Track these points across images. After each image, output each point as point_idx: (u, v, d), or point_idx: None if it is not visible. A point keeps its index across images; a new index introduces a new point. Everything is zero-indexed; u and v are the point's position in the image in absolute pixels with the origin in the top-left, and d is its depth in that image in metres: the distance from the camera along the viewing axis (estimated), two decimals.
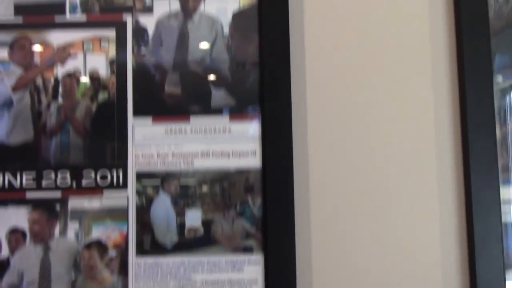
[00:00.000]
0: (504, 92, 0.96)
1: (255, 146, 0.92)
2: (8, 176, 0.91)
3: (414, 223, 0.92)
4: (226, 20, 0.95)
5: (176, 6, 0.95)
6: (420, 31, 0.96)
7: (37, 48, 0.93)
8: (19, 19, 0.94)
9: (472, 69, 0.94)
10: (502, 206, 0.91)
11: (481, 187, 0.92)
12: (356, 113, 0.94)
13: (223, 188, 0.92)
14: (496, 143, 0.93)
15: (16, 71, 0.93)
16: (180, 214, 0.91)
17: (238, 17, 0.95)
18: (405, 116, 0.95)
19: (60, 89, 0.93)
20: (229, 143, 0.93)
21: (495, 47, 0.96)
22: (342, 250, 0.92)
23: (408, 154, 0.94)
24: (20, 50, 0.94)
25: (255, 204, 0.91)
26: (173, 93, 0.93)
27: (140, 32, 0.94)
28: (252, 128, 0.93)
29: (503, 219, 0.91)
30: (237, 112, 0.93)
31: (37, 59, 0.93)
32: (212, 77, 0.94)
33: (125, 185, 0.91)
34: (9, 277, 0.89)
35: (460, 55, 0.95)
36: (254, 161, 0.92)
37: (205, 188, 0.92)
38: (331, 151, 0.93)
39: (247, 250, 0.91)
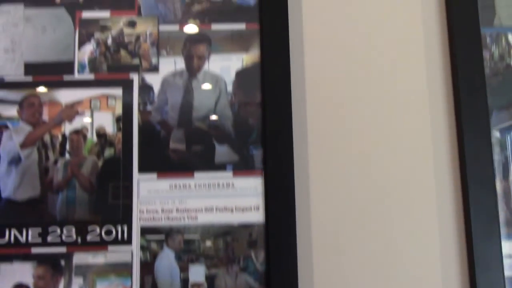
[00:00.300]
0: (503, 146, 0.99)
1: (258, 201, 0.94)
2: (14, 231, 0.93)
3: (417, 278, 0.94)
4: (229, 78, 0.99)
5: (181, 65, 0.99)
6: (419, 88, 1.00)
7: (45, 106, 0.97)
8: (29, 78, 0.98)
9: (470, 124, 0.97)
10: (504, 260, 0.93)
11: (482, 241, 0.93)
12: (356, 160, 0.97)
13: (226, 243, 0.94)
14: (496, 197, 0.95)
15: (25, 128, 0.96)
16: (184, 269, 0.92)
17: (241, 75, 0.99)
18: (406, 171, 0.97)
19: (67, 146, 0.96)
20: (233, 198, 0.95)
21: (492, 103, 1.00)
22: None
23: (410, 211, 0.96)
24: (29, 108, 0.97)
25: (258, 259, 0.93)
26: (178, 149, 0.96)
27: (146, 90, 0.98)
28: (255, 184, 0.95)
29: (506, 274, 0.92)
30: (241, 168, 0.96)
31: (45, 117, 0.97)
32: (216, 133, 0.97)
33: (129, 241, 0.93)
34: None
35: (458, 111, 0.98)
36: (257, 216, 0.94)
37: (208, 243, 0.94)
38: (333, 202, 0.95)
39: None
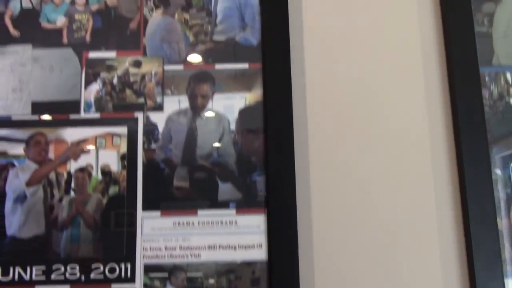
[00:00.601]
0: (504, 183, 1.01)
1: (261, 239, 0.96)
2: (18, 269, 0.94)
3: None
4: (232, 117, 1.01)
5: (185, 104, 1.02)
6: (419, 127, 1.02)
7: (51, 144, 0.99)
8: (36, 117, 1.01)
9: (470, 162, 0.99)
10: None
11: (486, 280, 0.94)
12: (359, 197, 0.98)
13: (229, 280, 0.95)
14: (498, 235, 0.96)
15: (31, 167, 0.98)
16: None
17: (244, 114, 1.02)
18: (407, 210, 0.99)
19: (73, 183, 0.98)
20: (236, 236, 0.96)
21: (492, 141, 1.02)
22: None
23: (413, 252, 0.97)
24: (35, 146, 0.99)
25: None
26: (182, 187, 0.98)
27: (150, 128, 1.01)
28: (258, 221, 0.97)
29: None
30: (243, 205, 0.97)
31: (51, 155, 0.99)
32: (219, 171, 0.99)
33: (133, 279, 0.94)
34: None
35: (458, 149, 1.00)
36: (260, 254, 0.95)
37: (212, 281, 0.95)
38: (336, 240, 0.97)
39: None
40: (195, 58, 1.03)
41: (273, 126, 0.99)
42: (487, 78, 1.05)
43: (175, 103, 1.02)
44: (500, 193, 1.00)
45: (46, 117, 1.01)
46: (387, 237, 0.97)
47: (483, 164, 0.99)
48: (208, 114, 1.02)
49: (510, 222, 0.99)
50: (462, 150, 1.00)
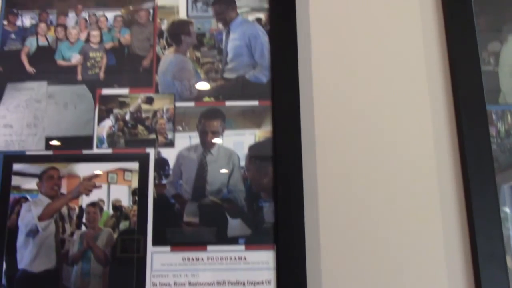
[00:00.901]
0: None
1: (270, 275, 0.97)
2: None
3: None
4: (242, 153, 1.04)
5: (196, 140, 1.05)
6: (428, 166, 1.04)
7: (64, 179, 1.02)
8: (49, 152, 1.04)
9: (478, 201, 1.00)
10: None
11: None
12: (368, 234, 1.00)
13: None
14: (507, 273, 0.97)
15: (44, 201, 1.01)
16: None
17: (254, 150, 1.04)
18: (416, 250, 1.00)
19: (84, 218, 1.00)
20: (245, 272, 0.98)
21: (501, 179, 1.03)
22: None
23: None
24: (48, 181, 1.02)
25: None
26: (191, 222, 1.00)
27: (161, 163, 1.03)
28: (267, 257, 0.98)
29: None
30: (253, 242, 0.99)
31: (64, 189, 1.02)
32: (228, 207, 1.01)
33: None
34: None
35: (467, 188, 1.02)
36: None
37: None
38: (345, 278, 0.98)
39: None
40: (203, 87, 1.06)
41: (282, 163, 1.01)
42: (494, 116, 1.07)
43: (186, 139, 1.05)
44: (510, 231, 1.01)
45: (59, 152, 1.03)
46: (397, 272, 0.98)
47: (492, 202, 1.00)
48: (218, 150, 1.04)
49: None
50: (471, 188, 1.01)
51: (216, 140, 1.04)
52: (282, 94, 1.05)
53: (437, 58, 1.09)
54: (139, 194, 1.01)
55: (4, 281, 0.97)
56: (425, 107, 1.07)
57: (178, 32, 1.10)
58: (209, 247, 0.99)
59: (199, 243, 0.99)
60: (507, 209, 1.02)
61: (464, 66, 1.08)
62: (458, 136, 1.05)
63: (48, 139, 1.04)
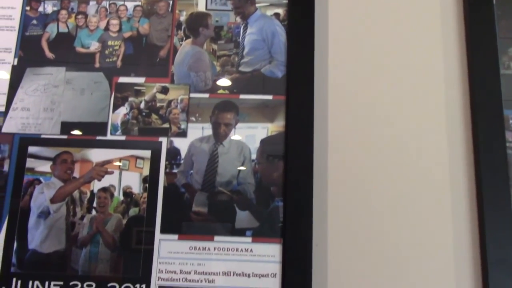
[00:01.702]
0: None
1: (276, 268, 1.00)
2: (37, 283, 1.01)
3: None
4: (254, 146, 1.07)
5: (208, 131, 1.08)
6: (441, 167, 1.06)
7: (77, 163, 1.07)
8: (64, 137, 1.08)
9: (491, 204, 1.02)
10: None
11: None
12: (377, 234, 1.03)
13: None
14: None
15: (56, 184, 1.06)
16: None
17: (266, 144, 1.08)
18: (424, 245, 1.02)
19: (95, 203, 1.05)
20: (251, 264, 1.01)
21: None
22: None
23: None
24: (62, 165, 1.07)
25: None
26: (200, 212, 1.04)
27: (173, 153, 1.07)
28: (273, 251, 1.01)
29: None
30: (260, 234, 1.02)
31: (76, 174, 1.06)
32: (237, 199, 1.05)
33: None
34: None
35: (479, 190, 1.04)
36: (273, 284, 1.00)
37: None
38: (351, 276, 1.01)
39: None
40: (223, 83, 1.10)
41: (294, 158, 1.05)
42: (511, 121, 1.09)
43: (199, 130, 1.09)
44: None
45: (74, 137, 1.08)
46: (403, 272, 1.01)
47: (504, 208, 1.02)
48: (230, 143, 1.08)
49: None
50: (483, 192, 1.03)
51: (228, 133, 1.08)
52: (296, 89, 1.09)
53: (456, 60, 1.12)
54: (150, 182, 1.05)
55: (14, 260, 1.02)
56: (440, 109, 1.09)
57: (196, 24, 1.14)
58: (216, 238, 1.02)
59: (206, 233, 1.02)
60: None
61: (483, 69, 1.10)
62: (473, 140, 1.07)
63: (63, 124, 1.09)
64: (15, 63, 1.13)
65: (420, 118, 1.08)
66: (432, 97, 1.09)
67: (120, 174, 1.06)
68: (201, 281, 1.00)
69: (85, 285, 1.00)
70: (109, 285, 1.00)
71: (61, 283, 1.00)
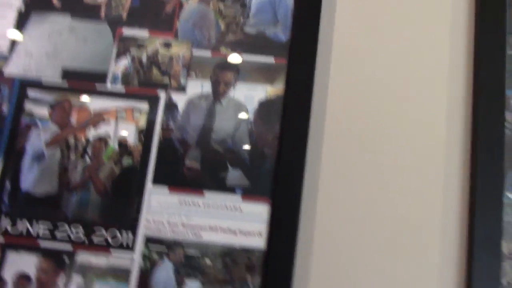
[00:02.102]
0: None
1: (262, 227, 1.02)
2: (26, 223, 1.03)
3: None
4: (252, 107, 1.09)
5: (207, 89, 1.10)
6: (437, 144, 1.07)
7: (75, 110, 1.09)
8: (65, 83, 1.11)
9: (483, 183, 1.03)
10: None
11: None
12: (367, 202, 1.04)
13: (225, 263, 1.01)
14: (500, 258, 1.00)
15: (53, 129, 1.08)
16: (180, 283, 1.00)
17: (264, 106, 1.09)
18: (413, 226, 1.04)
19: (89, 150, 1.07)
20: (238, 221, 1.03)
21: (509, 164, 1.06)
22: None
23: (413, 263, 1.02)
24: (59, 110, 1.09)
25: (254, 284, 1.00)
26: (193, 168, 1.06)
27: (171, 107, 1.09)
28: (261, 210, 1.03)
29: None
30: (250, 193, 1.04)
31: (73, 120, 1.09)
32: (231, 157, 1.06)
33: (132, 248, 1.02)
34: None
35: (474, 168, 1.05)
36: (259, 242, 1.02)
37: (208, 261, 1.01)
38: (336, 240, 1.02)
39: None
40: (226, 42, 1.12)
41: (290, 122, 1.06)
42: None
43: (198, 87, 1.10)
44: (510, 217, 1.04)
45: (74, 84, 1.10)
46: (389, 245, 1.02)
47: (496, 187, 1.03)
48: (228, 102, 1.09)
49: None
50: (477, 169, 1.04)
51: (227, 91, 1.10)
52: (299, 54, 1.10)
53: (463, 38, 1.12)
54: (146, 134, 1.07)
55: (6, 199, 1.05)
56: (443, 85, 1.10)
57: None
58: (207, 193, 1.04)
59: (197, 188, 1.04)
60: (511, 196, 1.05)
61: (489, 48, 1.10)
62: (473, 117, 1.08)
63: (65, 71, 1.11)
64: (22, 8, 1.15)
65: (421, 92, 1.09)
66: (436, 71, 1.10)
67: (117, 124, 1.08)
68: (188, 234, 1.02)
69: (73, 228, 1.03)
70: (96, 230, 1.03)
71: (50, 224, 1.03)
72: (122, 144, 1.07)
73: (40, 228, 1.03)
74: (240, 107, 1.09)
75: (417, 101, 1.09)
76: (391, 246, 1.02)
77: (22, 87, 1.10)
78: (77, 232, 1.03)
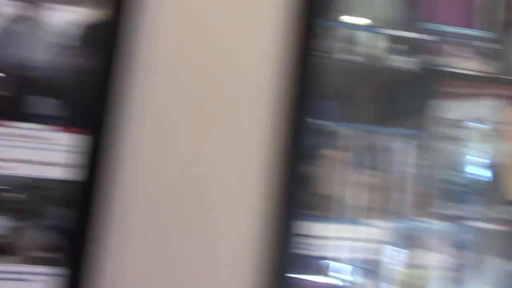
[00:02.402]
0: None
1: (76, 159, 0.99)
2: None
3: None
4: (76, 31, 1.02)
5: (23, 11, 1.02)
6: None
7: None
8: None
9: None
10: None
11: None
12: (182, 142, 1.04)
13: (38, 196, 0.98)
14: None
15: None
16: None
17: (88, 31, 1.03)
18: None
19: None
20: (50, 153, 0.99)
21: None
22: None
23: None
24: None
25: (66, 217, 0.97)
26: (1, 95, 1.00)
27: None
28: (76, 141, 0.99)
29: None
30: (64, 123, 1.00)
31: None
32: (46, 85, 1.01)
33: None
34: None
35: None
36: (72, 174, 0.98)
37: (19, 195, 0.97)
38: (156, 174, 1.02)
39: (52, 262, 0.97)
40: None
41: (112, 49, 1.01)
42: None
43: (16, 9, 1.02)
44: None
45: None
46: (203, 178, 1.03)
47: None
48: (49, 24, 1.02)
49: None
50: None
51: (44, 13, 1.03)
52: None
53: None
54: None
55: None
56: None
57: None
58: (17, 124, 0.98)
59: (6, 117, 0.98)
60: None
61: None
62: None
63: None
64: None
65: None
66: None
67: None
68: None
69: None
70: None
71: None
72: None
73: None
74: (63, 30, 1.02)
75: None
76: (206, 179, 1.03)
77: None
78: None
